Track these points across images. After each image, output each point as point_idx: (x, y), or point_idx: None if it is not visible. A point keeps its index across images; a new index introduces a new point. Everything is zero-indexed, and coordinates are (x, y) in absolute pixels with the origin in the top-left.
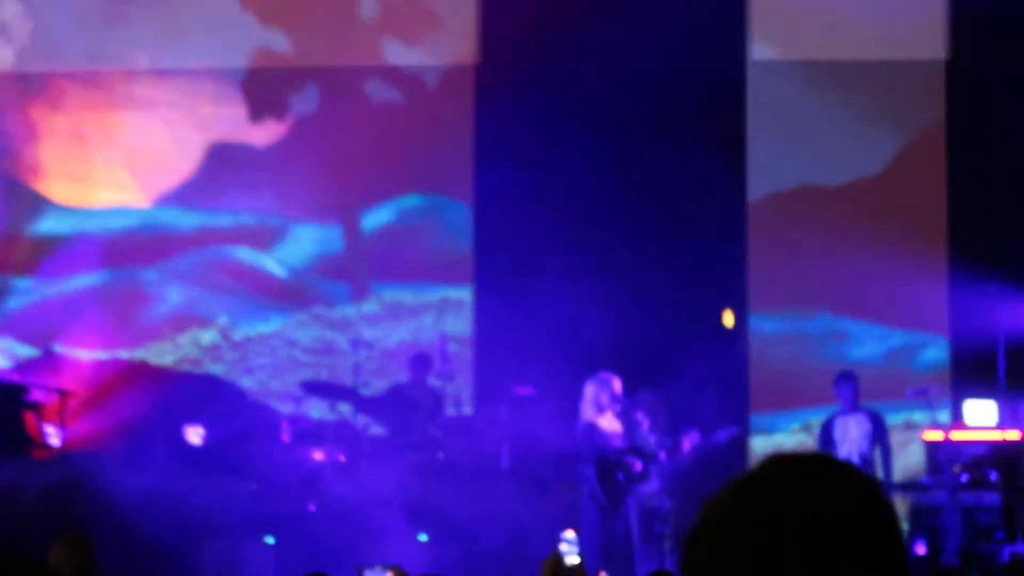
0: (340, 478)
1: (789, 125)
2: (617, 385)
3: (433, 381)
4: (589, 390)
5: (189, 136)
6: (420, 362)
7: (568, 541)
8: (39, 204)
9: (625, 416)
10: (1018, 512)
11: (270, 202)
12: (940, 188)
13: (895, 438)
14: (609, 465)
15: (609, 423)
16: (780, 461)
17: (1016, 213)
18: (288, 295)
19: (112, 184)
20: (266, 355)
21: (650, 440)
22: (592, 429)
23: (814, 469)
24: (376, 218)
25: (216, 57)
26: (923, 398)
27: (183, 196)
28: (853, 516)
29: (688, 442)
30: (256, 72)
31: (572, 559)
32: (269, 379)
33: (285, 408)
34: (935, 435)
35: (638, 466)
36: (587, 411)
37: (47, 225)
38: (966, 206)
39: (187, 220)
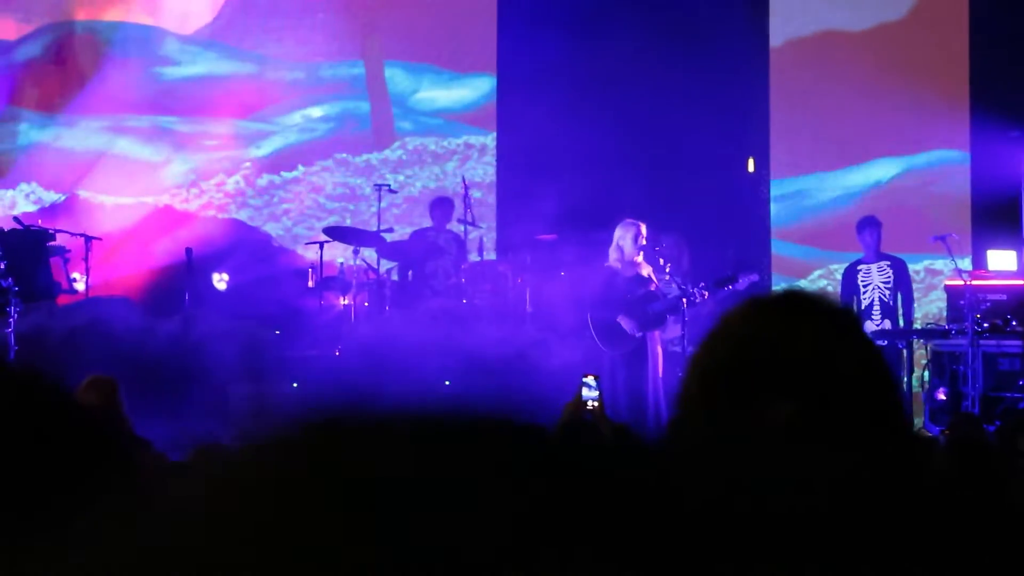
0: (364, 323)
1: None
2: (643, 231)
3: (456, 227)
4: (616, 235)
5: None
6: (443, 207)
7: (589, 386)
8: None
9: (648, 262)
10: None
11: (292, 47)
12: (963, 33)
13: (916, 285)
14: (627, 309)
15: (633, 269)
16: (755, 303)
17: None
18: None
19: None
20: (291, 201)
21: (672, 286)
22: (611, 274)
23: (788, 307)
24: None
25: None
26: (944, 244)
27: (205, 38)
28: (828, 350)
29: (709, 292)
30: None
31: (593, 403)
32: (294, 225)
33: (309, 254)
34: (956, 282)
35: (658, 311)
36: (613, 256)
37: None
38: (989, 52)
39: (211, 64)
